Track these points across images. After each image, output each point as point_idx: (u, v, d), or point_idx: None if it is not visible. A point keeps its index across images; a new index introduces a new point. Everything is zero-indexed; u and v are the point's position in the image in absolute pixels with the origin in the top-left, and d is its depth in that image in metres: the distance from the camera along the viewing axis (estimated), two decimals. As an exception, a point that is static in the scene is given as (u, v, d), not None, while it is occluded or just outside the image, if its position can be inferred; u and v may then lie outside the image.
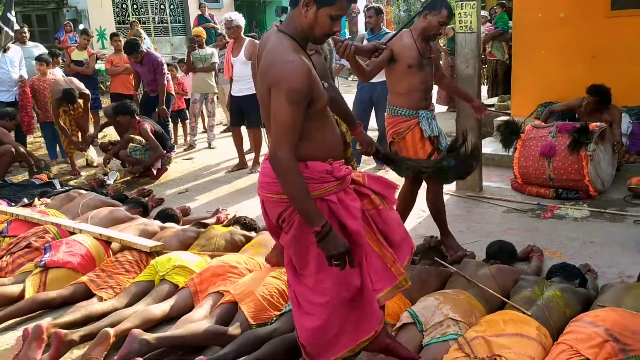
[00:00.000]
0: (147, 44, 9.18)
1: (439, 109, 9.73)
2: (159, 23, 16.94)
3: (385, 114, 3.95)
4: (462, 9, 4.89)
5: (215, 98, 8.22)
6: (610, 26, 6.07)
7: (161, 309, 3.17)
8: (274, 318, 3.00)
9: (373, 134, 6.77)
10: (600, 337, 2.38)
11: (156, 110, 7.27)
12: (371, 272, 2.28)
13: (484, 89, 9.47)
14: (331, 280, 2.18)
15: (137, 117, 6.57)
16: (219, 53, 8.15)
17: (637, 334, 2.41)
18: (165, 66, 7.46)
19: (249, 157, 6.92)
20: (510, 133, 5.38)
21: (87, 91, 7.15)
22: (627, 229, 4.33)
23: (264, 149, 7.24)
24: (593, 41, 6.17)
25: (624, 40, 6.02)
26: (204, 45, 8.01)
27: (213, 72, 8.05)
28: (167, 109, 7.50)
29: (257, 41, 6.33)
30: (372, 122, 6.46)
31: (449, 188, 5.45)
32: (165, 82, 7.40)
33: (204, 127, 8.73)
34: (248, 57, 6.21)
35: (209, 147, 8.16)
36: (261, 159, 6.90)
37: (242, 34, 6.45)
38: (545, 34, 6.46)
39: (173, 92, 7.95)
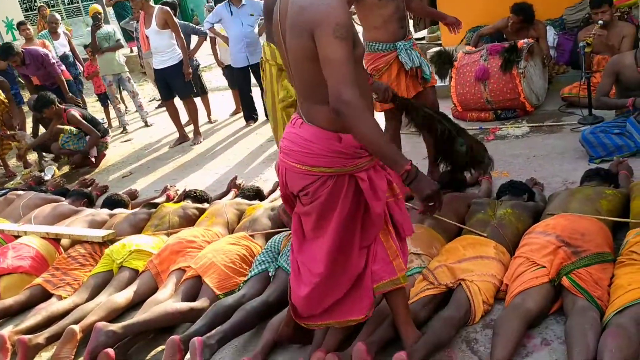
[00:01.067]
0: (60, 28, 8.64)
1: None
2: (69, 4, 16.00)
3: None
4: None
5: (129, 76, 7.73)
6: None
7: (124, 296, 3.10)
8: (241, 284, 2.99)
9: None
10: (553, 245, 2.48)
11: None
12: (373, 260, 2.15)
13: (411, 22, 9.43)
14: (341, 255, 2.07)
15: (61, 105, 6.25)
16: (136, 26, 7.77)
17: (586, 235, 2.53)
18: (51, 55, 7.01)
19: (189, 129, 6.74)
20: (443, 63, 5.41)
21: (3, 78, 6.67)
22: (565, 137, 4.48)
23: (203, 118, 7.08)
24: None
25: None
26: (102, 24, 7.56)
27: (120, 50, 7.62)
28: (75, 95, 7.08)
29: (167, 8, 6.07)
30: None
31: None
32: (59, 70, 6.93)
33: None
34: (161, 25, 5.95)
35: (146, 125, 7.90)
36: (203, 128, 6.78)
37: (149, 3, 6.13)
38: (464, -42, 6.43)
39: (71, 78, 7.48)
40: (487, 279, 2.53)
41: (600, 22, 4.75)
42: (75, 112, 6.22)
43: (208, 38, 6.98)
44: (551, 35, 5.94)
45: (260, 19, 6.57)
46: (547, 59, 5.52)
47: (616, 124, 3.96)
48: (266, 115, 6.38)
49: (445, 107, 5.63)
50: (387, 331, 2.32)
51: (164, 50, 6.10)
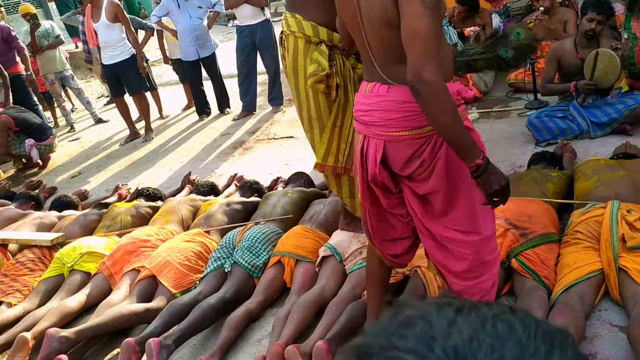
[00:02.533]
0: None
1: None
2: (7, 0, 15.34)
3: None
4: None
5: (72, 73, 7.41)
6: None
7: (77, 300, 3.02)
8: (197, 282, 2.95)
9: (263, 77, 6.65)
10: (502, 227, 2.55)
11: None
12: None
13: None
14: (482, 215, 1.89)
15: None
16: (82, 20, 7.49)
17: (533, 216, 2.61)
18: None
19: (140, 126, 6.59)
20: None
21: None
22: (513, 122, 4.60)
23: (154, 114, 6.93)
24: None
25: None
26: (40, 23, 7.21)
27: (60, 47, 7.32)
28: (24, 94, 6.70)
29: (117, 1, 5.89)
30: (260, 66, 6.31)
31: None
32: (23, 46, 6.54)
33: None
34: (111, 18, 5.77)
35: (99, 122, 7.67)
36: (154, 124, 6.63)
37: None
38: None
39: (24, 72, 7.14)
40: (441, 264, 2.58)
41: (542, 8, 4.89)
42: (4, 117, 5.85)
43: (155, 32, 6.81)
44: (496, 22, 6.06)
45: (210, 11, 6.46)
46: (494, 46, 5.64)
47: (560, 108, 4.09)
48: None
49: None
50: (347, 324, 2.34)
51: (115, 44, 5.91)
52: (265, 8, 6.01)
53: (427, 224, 1.94)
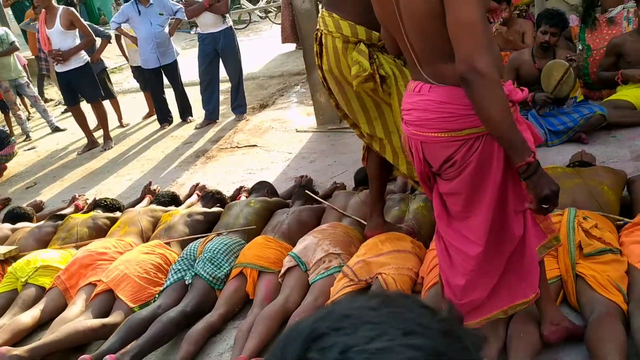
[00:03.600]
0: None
1: (288, 47, 9.74)
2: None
3: None
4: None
5: (27, 81, 7.19)
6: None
7: (31, 315, 2.90)
8: (156, 295, 2.88)
9: (226, 85, 6.59)
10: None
11: None
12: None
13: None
14: (499, 226, 1.81)
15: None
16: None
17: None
18: None
19: (99, 135, 6.42)
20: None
21: None
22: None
23: (113, 123, 6.77)
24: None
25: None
26: None
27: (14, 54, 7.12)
28: None
29: (72, 9, 5.75)
30: (223, 74, 6.25)
31: (311, 125, 5.52)
32: None
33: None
34: (65, 25, 5.62)
35: (53, 131, 7.45)
36: (114, 133, 6.48)
37: (53, 3, 5.76)
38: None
39: None
40: (404, 272, 2.58)
41: (500, 19, 4.99)
42: None
43: (114, 37, 6.67)
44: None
45: (171, 19, 6.38)
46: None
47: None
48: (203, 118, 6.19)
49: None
50: None
51: (68, 52, 5.76)
52: (227, 15, 5.96)
53: (441, 226, 1.92)
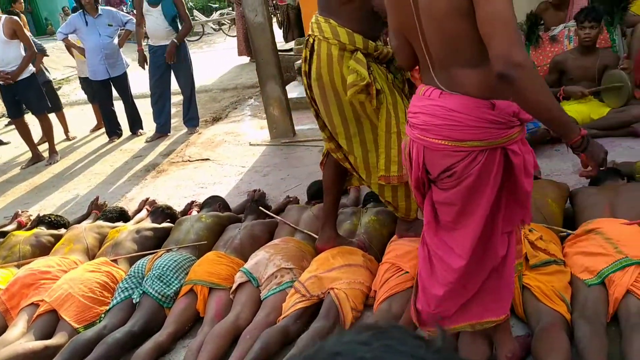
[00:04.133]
0: None
1: (242, 59, 9.71)
2: None
3: None
4: (238, -45, 4.77)
5: None
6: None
7: (-34, 340, 2.74)
8: (102, 315, 2.78)
9: (178, 97, 6.50)
10: (417, 249, 2.58)
11: None
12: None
13: (280, 34, 9.55)
14: (484, 244, 1.82)
15: None
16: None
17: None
18: None
19: (44, 148, 6.20)
20: (310, 75, 5.51)
21: None
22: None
23: (59, 136, 6.56)
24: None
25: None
26: None
27: None
28: None
29: (16, 18, 5.56)
30: (175, 86, 6.16)
31: (264, 139, 5.49)
32: None
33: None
34: (9, 35, 5.42)
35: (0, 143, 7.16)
36: (60, 146, 6.26)
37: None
38: (325, -27, 6.62)
39: None
40: (355, 286, 2.58)
41: None
42: None
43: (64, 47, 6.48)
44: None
45: (121, 30, 6.25)
46: (406, 71, 5.83)
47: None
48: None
49: (315, 118, 5.74)
50: (260, 353, 2.27)
51: (12, 62, 5.55)
52: (179, 29, 5.89)
53: (428, 233, 1.91)
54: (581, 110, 4.29)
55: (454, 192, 1.76)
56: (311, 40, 2.58)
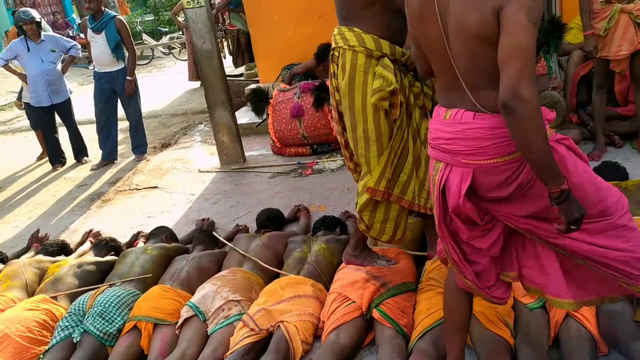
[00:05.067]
0: None
1: (193, 84, 9.62)
2: None
3: None
4: (185, -17, 4.76)
5: None
6: (329, -13, 6.51)
7: None
8: (41, 355, 2.65)
9: (124, 124, 6.37)
10: (363, 279, 2.60)
11: None
12: None
13: (230, 59, 9.54)
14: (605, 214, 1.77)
15: None
16: None
17: (392, 267, 2.69)
18: None
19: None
20: (259, 100, 5.52)
21: None
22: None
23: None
24: (317, 2, 6.55)
25: None
26: None
27: None
28: None
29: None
30: (121, 112, 6.03)
31: (214, 166, 5.43)
32: None
33: None
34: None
35: None
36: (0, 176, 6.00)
37: None
38: (275, -1, 6.68)
39: None
40: (306, 318, 2.56)
41: None
42: None
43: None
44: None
45: (65, 55, 6.10)
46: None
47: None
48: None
49: (266, 144, 5.74)
50: None
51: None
52: (125, 54, 5.81)
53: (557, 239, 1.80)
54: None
55: (536, 200, 1.73)
56: (336, 53, 2.52)
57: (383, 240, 2.68)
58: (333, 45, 2.55)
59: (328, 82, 5.24)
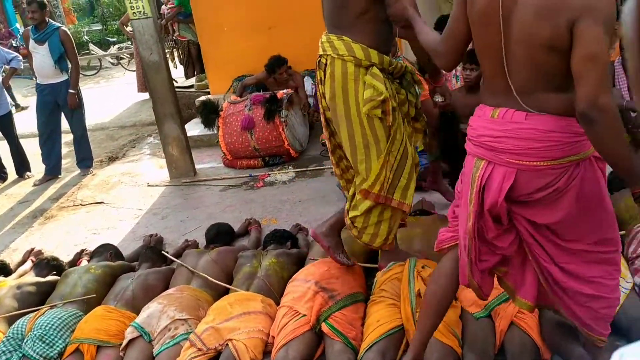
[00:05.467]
0: None
1: (141, 96, 9.43)
2: None
3: None
4: (130, -6, 4.67)
5: None
6: (279, -2, 6.51)
7: None
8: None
9: (68, 137, 6.17)
10: (312, 291, 2.58)
11: None
12: None
13: (181, 70, 9.42)
14: (609, 244, 1.91)
15: None
16: None
17: (341, 278, 2.69)
18: None
19: None
20: (209, 113, 5.45)
21: None
22: (327, 180, 4.80)
23: None
24: (267, 14, 6.56)
25: (293, 12, 6.53)
26: None
27: None
28: None
29: None
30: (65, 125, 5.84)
31: (163, 179, 5.32)
32: None
33: None
34: None
35: None
36: None
37: None
38: (224, 10, 6.62)
39: None
40: (255, 335, 2.52)
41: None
42: None
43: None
44: (309, 85, 6.41)
45: (5, 67, 5.88)
46: (306, 108, 5.92)
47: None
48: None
49: (217, 156, 5.67)
50: None
51: None
52: (69, 66, 5.64)
53: (554, 253, 1.89)
54: (469, 145, 4.54)
55: (564, 205, 1.78)
56: (324, 60, 2.55)
57: (375, 246, 2.70)
58: (320, 52, 2.58)
59: (280, 94, 5.29)
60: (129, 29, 9.07)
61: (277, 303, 2.77)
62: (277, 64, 5.81)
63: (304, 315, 2.49)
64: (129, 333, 2.59)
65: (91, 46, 14.12)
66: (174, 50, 9.55)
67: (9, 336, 2.69)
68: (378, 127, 2.50)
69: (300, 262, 3.13)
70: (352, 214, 2.66)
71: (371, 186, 2.55)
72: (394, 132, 2.53)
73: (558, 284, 1.92)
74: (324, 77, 2.56)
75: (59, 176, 5.84)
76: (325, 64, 2.53)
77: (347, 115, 2.52)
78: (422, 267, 2.63)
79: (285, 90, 5.53)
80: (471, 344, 2.31)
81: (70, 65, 5.63)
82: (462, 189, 1.95)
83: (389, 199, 2.58)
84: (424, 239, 3.01)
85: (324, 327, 2.44)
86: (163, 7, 9.10)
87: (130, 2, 4.70)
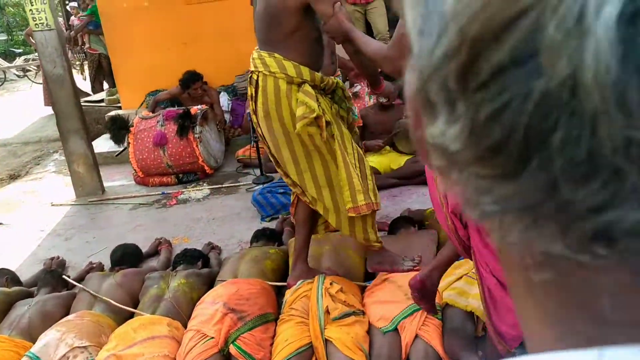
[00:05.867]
0: None
1: (48, 110, 8.96)
2: None
3: None
4: (32, 5, 4.44)
5: None
6: (192, 14, 6.44)
7: None
8: None
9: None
10: (220, 313, 2.53)
11: None
12: None
13: (88, 84, 9.05)
14: None
15: None
16: None
17: (251, 299, 2.66)
18: None
19: None
20: (119, 128, 5.27)
21: None
22: (242, 198, 4.75)
23: None
24: (181, 29, 6.45)
25: (207, 27, 6.48)
26: None
27: None
28: None
29: None
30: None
31: (68, 199, 5.07)
32: None
33: None
34: None
35: None
36: None
37: None
38: (135, 23, 6.46)
39: None
40: (160, 360, 2.43)
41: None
42: None
43: None
44: (225, 100, 6.35)
45: None
46: (221, 124, 5.85)
47: (281, 184, 4.37)
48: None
49: (128, 174, 5.47)
50: None
51: None
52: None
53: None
54: (381, 162, 4.66)
55: None
56: (255, 76, 2.54)
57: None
58: (251, 69, 2.58)
59: (194, 110, 5.19)
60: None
61: (185, 325, 2.70)
62: (192, 79, 5.72)
63: (212, 337, 2.44)
64: (23, 365, 2.42)
65: (-6, 57, 13.30)
66: (84, 62, 9.18)
67: None
68: (318, 141, 2.55)
69: (211, 281, 3.07)
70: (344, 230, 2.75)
71: (353, 200, 2.55)
72: (342, 144, 2.55)
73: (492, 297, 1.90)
74: (255, 94, 2.57)
75: (-48, 196, 5.42)
76: (257, 80, 2.54)
77: (285, 132, 2.54)
78: (330, 284, 2.65)
79: (199, 106, 5.45)
80: (377, 357, 2.35)
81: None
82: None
83: (371, 205, 2.60)
84: (332, 255, 3.04)
85: (232, 349, 2.40)
86: (72, 17, 8.75)
87: (32, 13, 4.47)
